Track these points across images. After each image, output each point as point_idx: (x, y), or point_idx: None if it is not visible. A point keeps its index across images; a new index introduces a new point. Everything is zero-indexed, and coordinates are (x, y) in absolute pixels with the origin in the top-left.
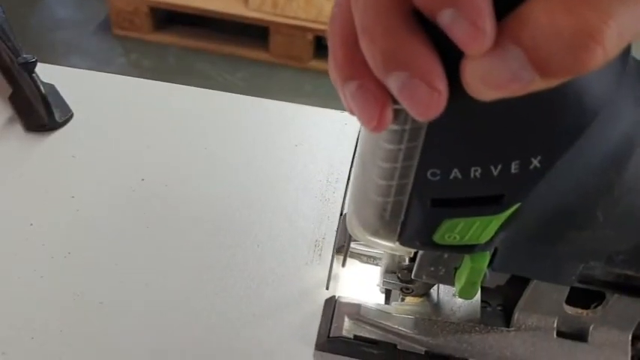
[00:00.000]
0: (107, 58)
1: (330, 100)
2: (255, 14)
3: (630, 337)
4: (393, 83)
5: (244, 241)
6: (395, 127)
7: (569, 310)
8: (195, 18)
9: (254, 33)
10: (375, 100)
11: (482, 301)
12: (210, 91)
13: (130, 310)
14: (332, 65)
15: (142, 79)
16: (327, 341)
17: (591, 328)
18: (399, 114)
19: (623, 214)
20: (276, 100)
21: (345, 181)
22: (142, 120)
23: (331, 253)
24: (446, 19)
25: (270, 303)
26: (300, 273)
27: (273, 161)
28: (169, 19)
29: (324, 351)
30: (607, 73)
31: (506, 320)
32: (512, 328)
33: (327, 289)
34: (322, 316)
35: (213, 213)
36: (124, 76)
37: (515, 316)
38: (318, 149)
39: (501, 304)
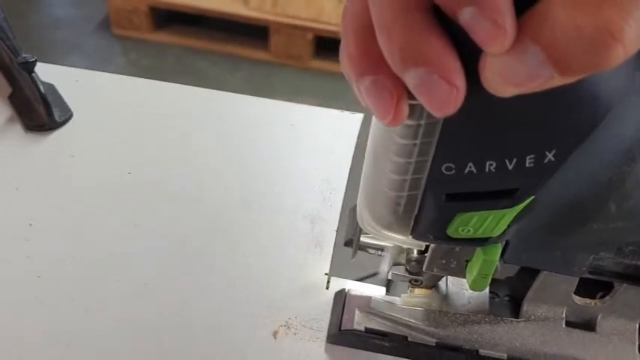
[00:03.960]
0: (106, 58)
1: (330, 100)
2: (255, 14)
3: (638, 326)
4: (410, 79)
5: (243, 241)
6: (410, 122)
7: (578, 300)
8: (195, 17)
9: (254, 32)
10: (391, 96)
11: (490, 292)
12: (210, 90)
13: (128, 312)
14: (345, 60)
15: (141, 79)
16: (339, 334)
17: (599, 317)
18: (414, 109)
19: (634, 206)
20: (276, 99)
21: (345, 180)
22: (142, 119)
23: (331, 253)
24: (466, 17)
25: (270, 302)
26: (300, 271)
27: (272, 161)
28: (169, 19)
29: (335, 344)
30: (622, 68)
31: (515, 311)
32: (522, 319)
33: (327, 288)
34: (332, 309)
35: (212, 212)
36: (123, 76)
37: (525, 306)
38: (318, 149)
39: (509, 295)
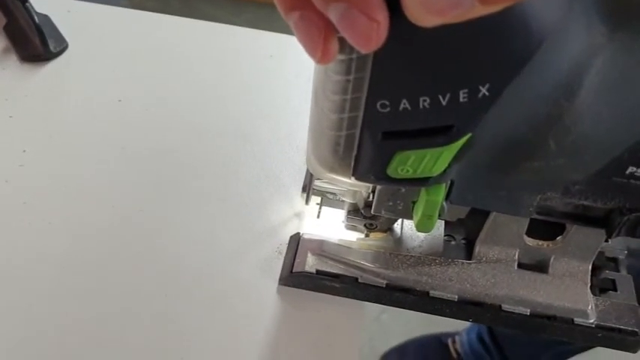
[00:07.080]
0: (110, 0)
1: None
2: None
3: (590, 267)
4: (332, 14)
5: (236, 170)
6: (342, 57)
7: (530, 241)
8: None
9: None
10: (318, 31)
11: (446, 235)
12: (204, 22)
13: (121, 237)
14: None
15: (134, 10)
16: (290, 276)
17: (552, 259)
18: (344, 44)
19: (575, 142)
20: None
21: None
22: (137, 51)
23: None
24: None
25: (263, 230)
26: (292, 200)
27: (266, 92)
28: None
29: (287, 285)
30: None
31: (469, 254)
32: (474, 261)
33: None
34: (286, 252)
35: (205, 142)
36: (118, 8)
37: (477, 248)
38: (310, 81)
39: (465, 238)
